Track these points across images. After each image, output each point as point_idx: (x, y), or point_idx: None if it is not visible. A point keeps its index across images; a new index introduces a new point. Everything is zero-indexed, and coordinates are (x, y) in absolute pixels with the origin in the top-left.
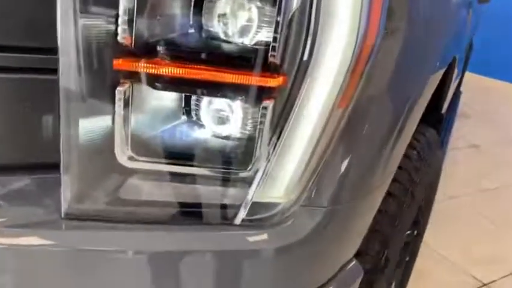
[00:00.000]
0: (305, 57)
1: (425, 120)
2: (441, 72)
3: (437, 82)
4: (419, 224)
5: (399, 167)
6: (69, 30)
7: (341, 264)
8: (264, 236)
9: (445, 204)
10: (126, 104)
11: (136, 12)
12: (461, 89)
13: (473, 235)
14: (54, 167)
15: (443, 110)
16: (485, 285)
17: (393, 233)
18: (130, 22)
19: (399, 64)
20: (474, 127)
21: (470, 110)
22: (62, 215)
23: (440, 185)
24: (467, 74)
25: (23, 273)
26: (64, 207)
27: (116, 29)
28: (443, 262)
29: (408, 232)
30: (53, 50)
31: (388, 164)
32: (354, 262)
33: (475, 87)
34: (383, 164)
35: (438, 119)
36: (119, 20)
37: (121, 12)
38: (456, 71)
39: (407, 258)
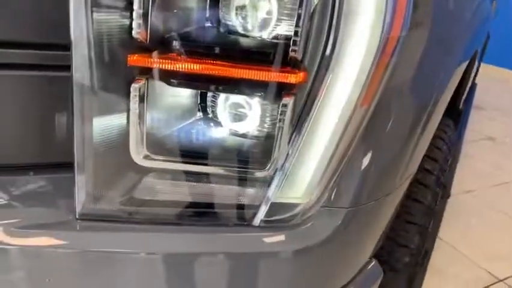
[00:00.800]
0: (327, 52)
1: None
2: (465, 65)
3: (461, 75)
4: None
5: (433, 159)
6: (82, 25)
7: (361, 265)
8: (284, 238)
9: (460, 198)
10: (141, 101)
11: (151, 5)
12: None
13: (488, 229)
14: (68, 166)
15: (461, 104)
16: (500, 280)
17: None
18: (144, 16)
19: (425, 58)
20: (489, 119)
21: (485, 101)
22: (77, 216)
23: (455, 178)
24: (481, 65)
25: (37, 275)
26: (78, 207)
27: (130, 24)
28: (458, 257)
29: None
30: (67, 47)
31: (411, 162)
32: (374, 263)
33: (489, 79)
34: (406, 162)
35: (456, 112)
36: (134, 14)
37: (135, 6)
38: (475, 63)
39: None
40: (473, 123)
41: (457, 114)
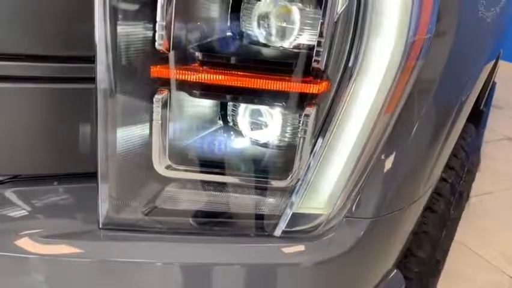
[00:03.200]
0: (351, 61)
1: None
2: (490, 67)
3: (485, 79)
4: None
5: (449, 167)
6: (106, 38)
7: (382, 275)
8: (305, 249)
9: (478, 200)
10: (164, 111)
11: (173, 17)
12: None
13: (508, 232)
14: (92, 176)
15: (482, 105)
16: None
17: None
18: (167, 28)
19: (450, 60)
20: (508, 119)
21: (503, 100)
22: (100, 225)
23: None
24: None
25: (60, 284)
26: (101, 217)
27: (153, 36)
28: (477, 260)
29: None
30: (91, 59)
31: (434, 170)
32: (395, 271)
33: (507, 77)
34: (429, 170)
35: (477, 114)
36: (157, 27)
37: (158, 18)
38: (498, 64)
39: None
40: (492, 123)
41: (478, 115)
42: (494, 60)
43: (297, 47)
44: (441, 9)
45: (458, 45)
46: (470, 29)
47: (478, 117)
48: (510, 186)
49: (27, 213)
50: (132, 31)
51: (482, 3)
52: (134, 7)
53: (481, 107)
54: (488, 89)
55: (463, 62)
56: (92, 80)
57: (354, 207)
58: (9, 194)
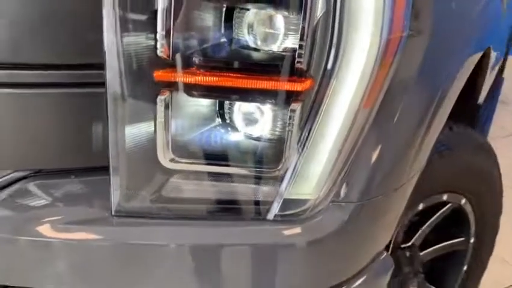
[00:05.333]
0: (330, 61)
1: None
2: (472, 64)
3: (467, 75)
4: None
5: None
6: (114, 47)
7: (371, 256)
8: (295, 231)
9: None
10: (166, 110)
11: (173, 27)
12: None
13: None
14: (104, 170)
15: (480, 100)
16: None
17: None
18: (167, 37)
19: (425, 62)
20: None
21: (510, 96)
22: (112, 213)
23: None
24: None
25: (77, 266)
26: (113, 205)
27: (155, 44)
28: (497, 262)
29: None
30: (101, 66)
31: (417, 159)
32: (385, 254)
33: None
34: (412, 159)
35: (474, 109)
36: (158, 36)
37: (159, 28)
38: (493, 60)
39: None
40: (499, 119)
41: (475, 109)
42: (483, 55)
43: (284, 50)
44: (415, 7)
45: (435, 41)
46: (447, 24)
47: (474, 112)
48: None
49: (48, 203)
50: (137, 40)
51: (457, 2)
52: (138, 19)
53: (479, 101)
54: (487, 83)
55: (441, 57)
56: (102, 84)
57: (339, 193)
58: (33, 186)
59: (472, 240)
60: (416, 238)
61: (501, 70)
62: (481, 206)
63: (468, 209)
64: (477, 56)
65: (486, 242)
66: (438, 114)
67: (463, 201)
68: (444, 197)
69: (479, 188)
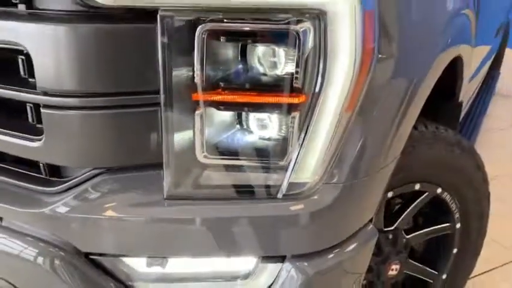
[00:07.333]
0: (319, 81)
1: (439, 109)
2: (438, 71)
3: (434, 80)
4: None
5: None
6: (167, 78)
7: (359, 226)
8: (297, 206)
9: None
10: (201, 121)
11: (205, 62)
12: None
13: None
14: (159, 165)
15: (461, 98)
16: None
17: None
18: (201, 69)
19: (393, 75)
20: None
21: (510, 89)
22: (164, 197)
23: None
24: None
25: (140, 236)
26: (166, 191)
27: (193, 75)
28: (490, 244)
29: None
30: (157, 91)
31: (391, 149)
32: (371, 226)
33: None
34: (386, 150)
35: (455, 107)
36: (195, 69)
37: (196, 64)
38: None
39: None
40: (498, 111)
41: (457, 108)
42: (452, 61)
43: (285, 74)
44: (382, 38)
45: (401, 59)
46: (411, 45)
47: (455, 110)
48: None
49: (118, 190)
50: (181, 73)
51: (423, 19)
52: (181, 58)
53: (460, 99)
54: (466, 83)
55: (407, 71)
56: (155, 105)
57: (331, 176)
58: (106, 179)
59: (458, 226)
60: (400, 223)
61: (496, 64)
62: (460, 195)
63: (447, 198)
64: (442, 65)
65: (474, 227)
66: (408, 113)
67: (439, 190)
68: (417, 187)
69: (455, 179)
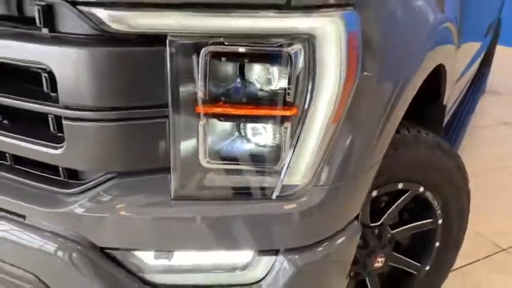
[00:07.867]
0: (308, 96)
1: (423, 111)
2: (419, 81)
3: (415, 90)
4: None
5: None
6: (174, 94)
7: (345, 223)
8: (291, 205)
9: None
10: (204, 130)
11: (208, 79)
12: (492, 64)
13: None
14: (166, 170)
15: (445, 102)
16: (503, 250)
17: None
18: (204, 85)
19: (375, 90)
20: (504, 104)
21: (501, 86)
22: (172, 198)
23: (468, 162)
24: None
25: (150, 232)
26: (173, 192)
27: (197, 90)
28: (476, 238)
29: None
30: (165, 105)
31: (373, 155)
32: (356, 222)
33: (505, 62)
34: (369, 156)
35: (440, 110)
36: (198, 85)
37: (199, 80)
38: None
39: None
40: (489, 108)
41: (440, 110)
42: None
43: (278, 89)
44: (365, 59)
45: (382, 76)
46: (392, 62)
47: (439, 113)
48: (505, 165)
49: (129, 192)
50: (187, 89)
51: (404, 33)
52: (186, 76)
53: (444, 102)
54: (451, 87)
55: (388, 86)
56: (162, 117)
57: (319, 179)
58: (118, 183)
59: (439, 221)
60: (385, 219)
61: (487, 62)
62: (441, 193)
63: (429, 196)
64: (423, 75)
65: (455, 222)
66: (389, 121)
67: (421, 189)
68: (400, 186)
69: (436, 179)
